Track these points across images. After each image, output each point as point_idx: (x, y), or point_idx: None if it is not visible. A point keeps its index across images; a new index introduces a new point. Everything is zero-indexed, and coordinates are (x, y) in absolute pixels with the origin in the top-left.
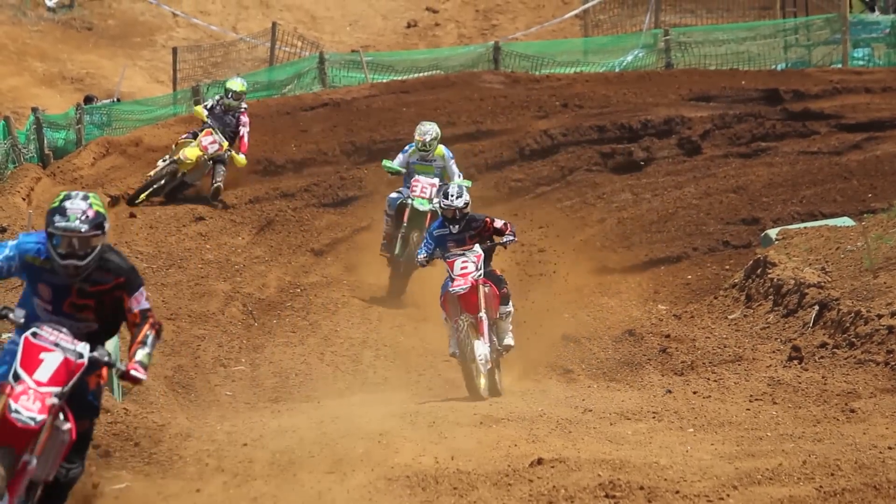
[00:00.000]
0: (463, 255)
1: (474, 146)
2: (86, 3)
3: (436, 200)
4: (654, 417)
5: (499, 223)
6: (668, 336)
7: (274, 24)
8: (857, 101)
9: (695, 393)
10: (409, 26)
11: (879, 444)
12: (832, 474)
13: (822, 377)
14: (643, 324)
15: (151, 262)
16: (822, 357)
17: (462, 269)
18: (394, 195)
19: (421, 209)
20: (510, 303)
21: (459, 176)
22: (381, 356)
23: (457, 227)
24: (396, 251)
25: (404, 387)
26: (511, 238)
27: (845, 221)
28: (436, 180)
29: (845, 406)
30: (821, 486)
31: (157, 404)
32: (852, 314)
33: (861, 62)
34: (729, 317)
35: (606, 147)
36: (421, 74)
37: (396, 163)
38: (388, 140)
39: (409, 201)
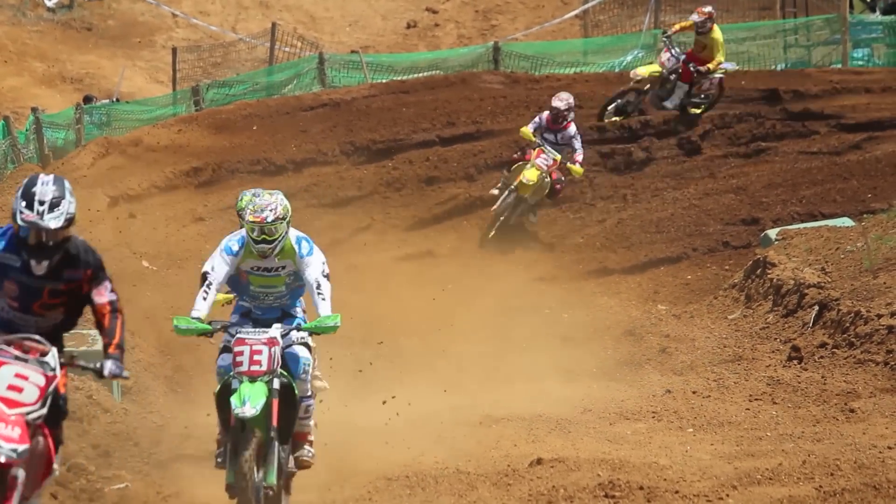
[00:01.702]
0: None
1: (474, 146)
2: (85, 4)
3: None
4: (653, 417)
5: None
6: (667, 336)
7: (273, 25)
8: (856, 102)
9: (694, 393)
10: (408, 27)
11: (879, 443)
12: (832, 474)
13: (822, 377)
14: (643, 324)
15: (152, 262)
16: (821, 357)
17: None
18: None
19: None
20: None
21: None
22: (380, 356)
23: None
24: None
25: (404, 386)
26: None
27: (845, 222)
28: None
29: (845, 406)
30: (820, 486)
31: (157, 404)
32: (852, 314)
33: (861, 62)
34: (728, 317)
35: (606, 147)
36: (421, 75)
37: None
38: (387, 140)
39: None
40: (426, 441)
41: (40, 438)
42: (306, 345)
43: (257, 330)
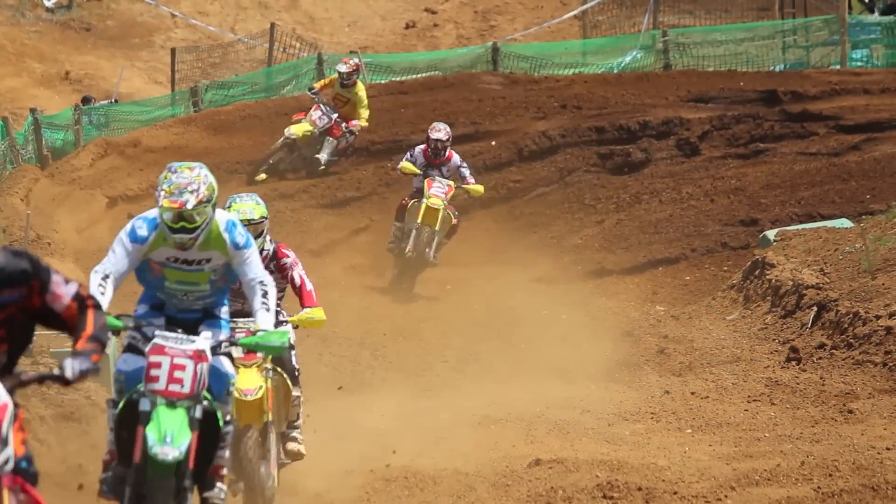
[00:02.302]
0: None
1: (473, 147)
2: (84, 4)
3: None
4: (652, 418)
5: None
6: (666, 337)
7: (272, 25)
8: (855, 103)
9: (693, 394)
10: (407, 27)
11: (877, 444)
12: (830, 475)
13: (820, 378)
14: (641, 325)
15: None
16: (820, 358)
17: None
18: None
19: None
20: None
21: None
22: (379, 357)
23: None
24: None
25: (402, 387)
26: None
27: (843, 223)
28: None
29: (843, 407)
30: (819, 487)
31: None
32: (850, 315)
33: (860, 63)
34: (727, 318)
35: (605, 148)
36: (419, 75)
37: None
38: (386, 141)
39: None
40: (424, 442)
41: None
42: (229, 355)
43: (180, 337)
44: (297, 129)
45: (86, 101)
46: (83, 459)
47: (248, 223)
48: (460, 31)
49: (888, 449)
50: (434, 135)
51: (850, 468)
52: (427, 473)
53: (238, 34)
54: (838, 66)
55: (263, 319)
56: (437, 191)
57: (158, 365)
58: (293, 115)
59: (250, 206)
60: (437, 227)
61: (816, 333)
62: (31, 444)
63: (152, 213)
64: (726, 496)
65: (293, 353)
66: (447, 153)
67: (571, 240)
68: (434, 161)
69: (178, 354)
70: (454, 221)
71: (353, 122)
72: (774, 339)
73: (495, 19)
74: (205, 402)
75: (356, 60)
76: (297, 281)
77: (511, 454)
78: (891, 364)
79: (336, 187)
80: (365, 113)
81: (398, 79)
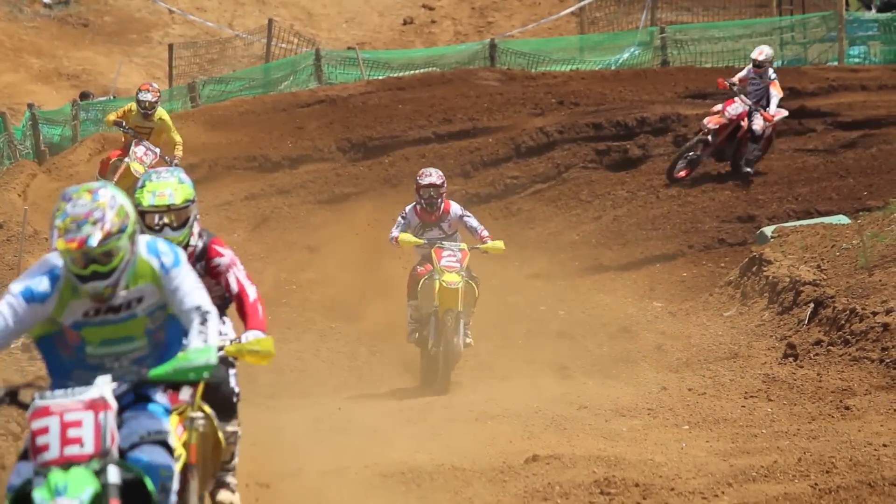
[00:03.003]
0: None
1: (470, 143)
2: (82, 0)
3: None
4: (649, 414)
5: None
6: (663, 333)
7: (270, 21)
8: (853, 99)
9: (690, 390)
10: (405, 23)
11: (874, 441)
12: (827, 471)
13: (818, 374)
14: (638, 321)
15: None
16: (817, 354)
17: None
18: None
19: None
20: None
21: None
22: (376, 353)
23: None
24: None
25: (400, 383)
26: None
27: (841, 219)
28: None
29: (840, 403)
30: (816, 484)
31: None
32: (847, 312)
33: (857, 60)
34: (724, 314)
35: (602, 144)
36: (417, 71)
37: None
38: (384, 137)
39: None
40: (422, 438)
41: None
42: (165, 443)
43: (69, 391)
44: (133, 168)
45: (84, 96)
46: None
47: (168, 209)
48: (458, 28)
49: (885, 445)
50: (424, 180)
51: (847, 465)
52: (424, 469)
53: (236, 30)
54: (836, 63)
55: (195, 345)
56: (450, 261)
57: (45, 430)
58: (108, 153)
59: (170, 185)
60: (459, 308)
61: (813, 330)
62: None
63: (52, 258)
64: (723, 492)
65: (232, 372)
66: (443, 203)
67: (569, 236)
68: (430, 218)
69: (69, 408)
70: (476, 292)
71: (176, 153)
72: (771, 336)
73: (493, 16)
74: (129, 472)
75: (157, 87)
76: (235, 287)
77: (508, 450)
78: (888, 360)
79: (334, 183)
80: (178, 138)
81: (395, 75)
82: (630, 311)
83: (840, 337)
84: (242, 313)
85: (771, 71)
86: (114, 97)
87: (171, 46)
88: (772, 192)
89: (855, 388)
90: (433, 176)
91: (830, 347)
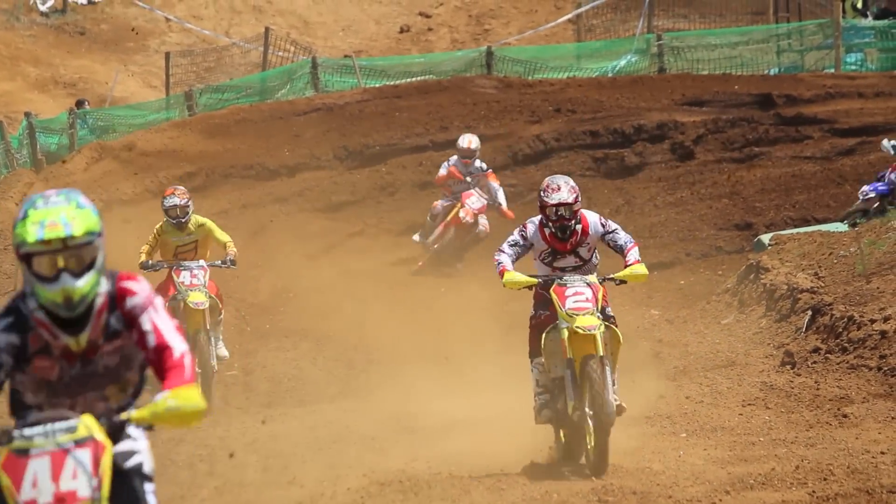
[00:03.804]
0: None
1: None
2: (79, 8)
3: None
4: (646, 422)
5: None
6: (660, 341)
7: (267, 29)
8: (849, 106)
9: (687, 398)
10: (401, 31)
11: (872, 448)
12: (825, 479)
13: (815, 382)
14: (636, 328)
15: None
16: (814, 362)
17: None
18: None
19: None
20: None
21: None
22: (373, 361)
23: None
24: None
25: (397, 391)
26: None
27: (838, 227)
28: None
29: (838, 411)
30: (813, 492)
31: None
32: (845, 319)
33: (854, 67)
34: (721, 322)
35: (599, 152)
36: (414, 79)
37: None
38: (381, 145)
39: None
40: (419, 446)
41: None
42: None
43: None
44: (191, 302)
45: (80, 104)
46: None
47: (65, 245)
48: (454, 35)
49: (883, 453)
50: (552, 198)
51: (844, 472)
52: (421, 478)
53: (233, 38)
54: (832, 70)
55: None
56: (579, 302)
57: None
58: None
59: (63, 212)
60: (600, 353)
61: (811, 337)
62: None
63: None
64: (721, 500)
65: (149, 488)
66: (580, 221)
67: None
68: (564, 247)
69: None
70: (620, 337)
71: (228, 251)
72: (769, 344)
73: (489, 23)
74: None
75: (184, 189)
76: (151, 339)
77: (505, 458)
78: (885, 368)
79: (331, 191)
80: (226, 237)
81: (392, 83)
82: (627, 318)
83: (838, 345)
84: (161, 370)
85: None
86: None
87: (167, 55)
88: (769, 200)
89: (852, 395)
90: (562, 191)
91: (828, 355)
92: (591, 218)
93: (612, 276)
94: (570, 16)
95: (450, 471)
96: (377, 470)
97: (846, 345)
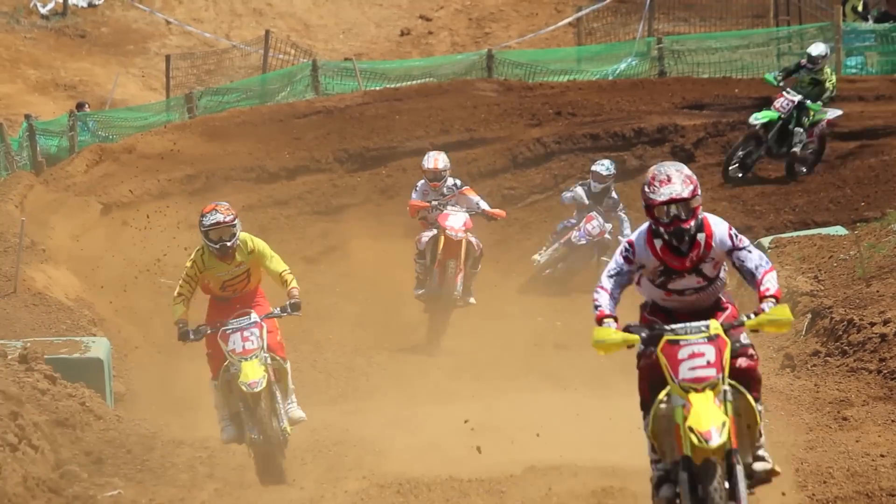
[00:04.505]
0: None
1: (468, 154)
2: (79, 11)
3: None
4: None
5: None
6: None
7: (267, 32)
8: (850, 110)
9: None
10: (402, 34)
11: (872, 451)
12: (824, 482)
13: (815, 385)
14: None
15: (144, 269)
16: (814, 365)
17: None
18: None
19: (455, 238)
20: None
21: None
22: (373, 363)
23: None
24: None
25: (397, 394)
26: None
27: (838, 230)
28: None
29: (838, 414)
30: (813, 494)
31: (150, 411)
32: (845, 322)
33: (854, 70)
34: None
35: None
36: (414, 82)
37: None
38: (381, 148)
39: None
40: (419, 449)
41: None
42: None
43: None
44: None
45: (80, 107)
46: (76, 466)
47: None
48: (455, 39)
49: (882, 456)
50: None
51: (844, 475)
52: (421, 480)
53: (233, 41)
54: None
55: None
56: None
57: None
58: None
59: None
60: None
61: (811, 340)
62: (25, 449)
63: None
64: None
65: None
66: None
67: None
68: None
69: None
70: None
71: (292, 290)
72: (769, 346)
73: (490, 26)
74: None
75: (227, 204)
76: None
77: (505, 460)
78: (885, 371)
79: (331, 194)
80: (282, 265)
81: (393, 86)
82: (628, 321)
83: (837, 348)
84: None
85: None
86: (106, 108)
87: (168, 57)
88: (769, 203)
89: (852, 398)
90: (674, 183)
91: (828, 358)
92: (718, 227)
93: (744, 320)
94: (570, 19)
95: (450, 473)
96: (377, 472)
97: (846, 348)
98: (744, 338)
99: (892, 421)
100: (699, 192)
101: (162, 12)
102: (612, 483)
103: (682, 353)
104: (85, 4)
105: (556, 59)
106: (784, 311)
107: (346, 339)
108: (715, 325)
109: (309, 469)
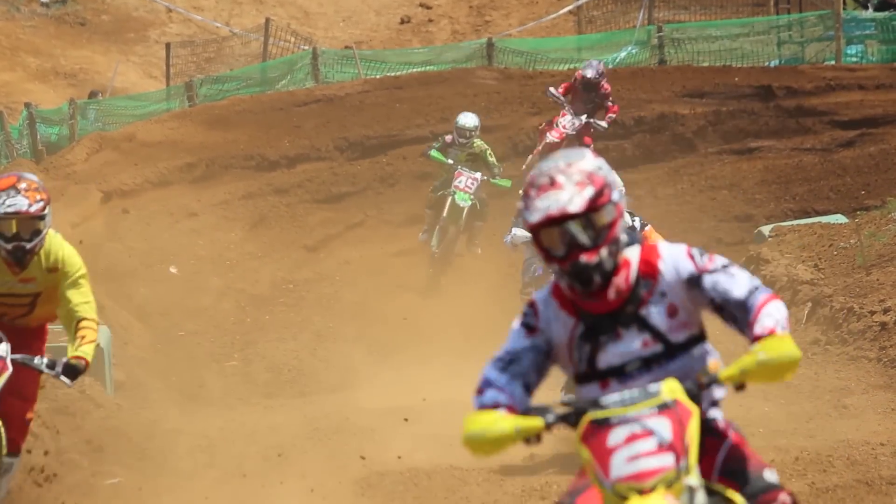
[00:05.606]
0: None
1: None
2: None
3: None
4: None
5: None
6: None
7: (267, 20)
8: (850, 98)
9: None
10: (402, 22)
11: (871, 440)
12: (824, 470)
13: (815, 373)
14: None
15: (144, 257)
16: (814, 353)
17: None
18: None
19: (461, 205)
20: None
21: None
22: (373, 352)
23: None
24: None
25: (397, 383)
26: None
27: (838, 219)
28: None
29: (837, 402)
30: (813, 483)
31: (150, 399)
32: (845, 311)
33: (854, 59)
34: None
35: (599, 143)
36: (414, 70)
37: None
38: (381, 136)
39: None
40: (419, 437)
41: None
42: None
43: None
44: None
45: (93, 95)
46: (76, 454)
47: None
48: (455, 27)
49: (882, 444)
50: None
51: (844, 463)
52: (421, 468)
53: (233, 29)
54: (833, 62)
55: None
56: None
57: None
58: None
59: None
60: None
61: (811, 329)
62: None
63: None
64: None
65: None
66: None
67: None
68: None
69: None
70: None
71: (81, 347)
72: None
73: (490, 14)
74: None
75: (38, 185)
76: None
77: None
78: (885, 360)
79: (331, 182)
80: (90, 307)
81: (393, 74)
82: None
83: (837, 336)
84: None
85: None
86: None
87: (168, 45)
88: (769, 192)
89: (852, 387)
90: (563, 190)
91: (828, 346)
92: (668, 248)
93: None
94: (570, 7)
95: (450, 461)
96: (377, 461)
97: (846, 336)
98: (769, 474)
99: (892, 409)
100: (613, 195)
101: (162, 0)
102: None
103: (616, 437)
104: None
105: (556, 48)
106: (783, 344)
107: (345, 327)
108: (671, 387)
109: (309, 457)
